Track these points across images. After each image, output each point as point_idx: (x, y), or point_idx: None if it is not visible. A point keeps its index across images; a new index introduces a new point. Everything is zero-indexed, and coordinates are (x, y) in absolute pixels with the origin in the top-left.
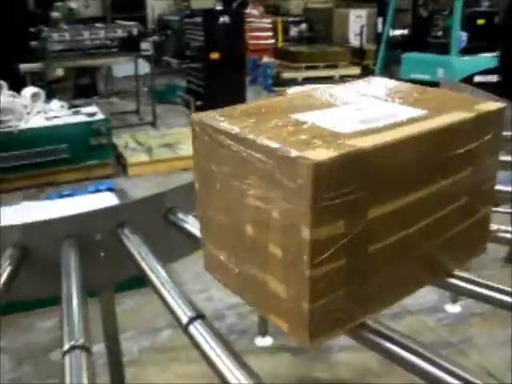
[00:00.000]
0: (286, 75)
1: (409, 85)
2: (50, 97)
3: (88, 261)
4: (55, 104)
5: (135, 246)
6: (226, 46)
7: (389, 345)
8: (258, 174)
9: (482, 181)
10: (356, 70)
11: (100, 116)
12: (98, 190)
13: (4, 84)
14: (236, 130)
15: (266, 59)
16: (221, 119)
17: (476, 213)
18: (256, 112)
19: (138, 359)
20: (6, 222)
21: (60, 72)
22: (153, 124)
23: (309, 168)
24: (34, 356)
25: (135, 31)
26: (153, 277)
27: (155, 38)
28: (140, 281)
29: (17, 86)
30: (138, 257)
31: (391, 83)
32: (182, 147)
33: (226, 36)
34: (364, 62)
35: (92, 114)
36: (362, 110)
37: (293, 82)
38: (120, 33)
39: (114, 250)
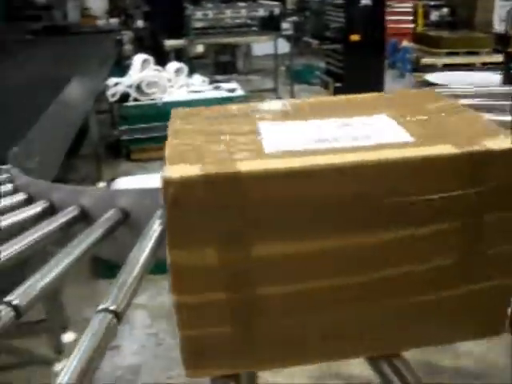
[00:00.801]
0: (425, 61)
1: (448, 102)
2: (191, 72)
3: None
4: (197, 79)
5: None
6: (367, 28)
7: None
8: None
9: (488, 242)
10: (499, 58)
11: (240, 92)
12: None
13: (151, 59)
14: (175, 133)
15: (405, 43)
16: (186, 119)
17: (481, 281)
18: (229, 115)
19: None
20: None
21: (200, 49)
22: None
23: (163, 183)
24: (169, 315)
25: (277, 11)
26: None
27: (295, 18)
28: None
29: (161, 61)
30: None
31: (435, 98)
32: None
33: (367, 18)
34: (509, 50)
35: (232, 90)
36: (342, 128)
37: (432, 68)
38: (261, 12)
39: None
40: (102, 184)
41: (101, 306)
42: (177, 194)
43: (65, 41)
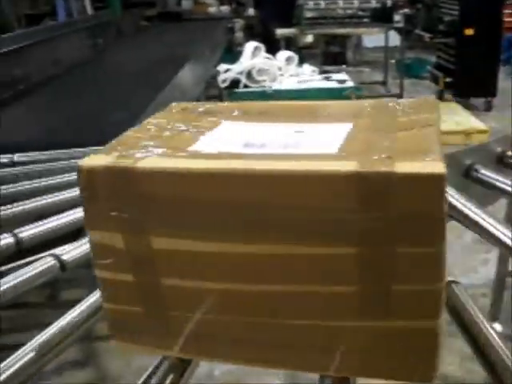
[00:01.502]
0: None
1: (427, 116)
2: (301, 62)
3: None
4: (307, 68)
5: None
6: (482, 22)
7: None
8: None
9: (396, 277)
10: None
11: (350, 83)
12: None
13: (262, 46)
14: (142, 125)
15: None
16: (170, 112)
17: (389, 318)
18: (210, 112)
19: None
20: None
21: (310, 39)
22: (399, 96)
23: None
24: None
25: (389, 2)
26: None
27: (406, 10)
28: None
29: (271, 49)
30: None
31: (424, 110)
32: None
33: (483, 12)
34: None
35: (342, 81)
36: (287, 134)
37: None
38: (373, 3)
39: None
40: None
41: None
42: (85, 180)
43: (178, 27)
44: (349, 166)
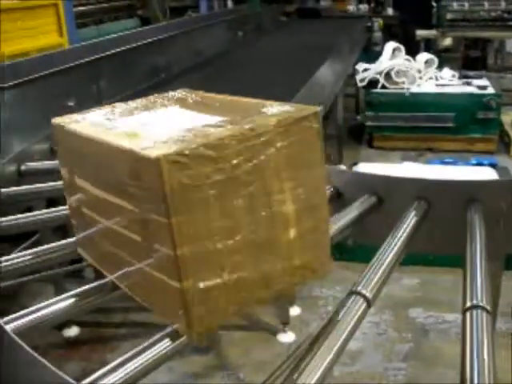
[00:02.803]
0: None
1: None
2: (439, 65)
3: (489, 227)
4: (447, 72)
5: None
6: None
7: None
8: None
9: (155, 236)
10: None
11: (491, 90)
12: (479, 164)
13: (402, 47)
14: (136, 100)
15: None
16: (164, 96)
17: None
18: (182, 100)
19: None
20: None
21: (448, 41)
22: None
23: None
24: (394, 308)
25: None
26: None
27: None
28: None
29: (410, 51)
30: None
31: (291, 120)
32: None
33: None
34: None
35: (482, 87)
36: (183, 120)
37: None
38: None
39: None
40: (342, 167)
41: (353, 288)
42: (54, 132)
43: (316, 23)
44: (132, 145)
